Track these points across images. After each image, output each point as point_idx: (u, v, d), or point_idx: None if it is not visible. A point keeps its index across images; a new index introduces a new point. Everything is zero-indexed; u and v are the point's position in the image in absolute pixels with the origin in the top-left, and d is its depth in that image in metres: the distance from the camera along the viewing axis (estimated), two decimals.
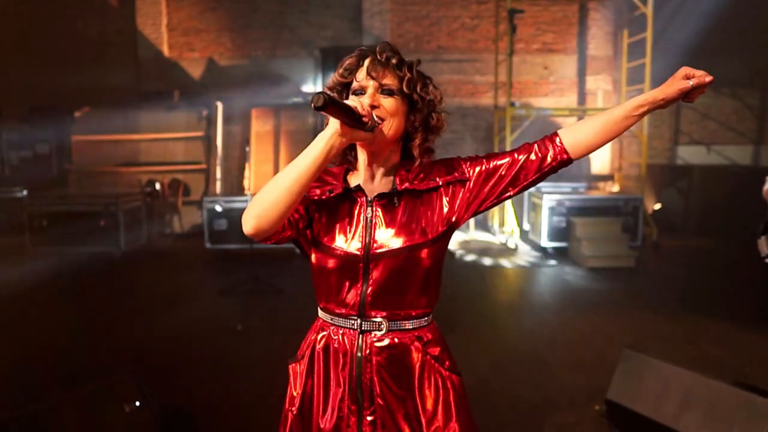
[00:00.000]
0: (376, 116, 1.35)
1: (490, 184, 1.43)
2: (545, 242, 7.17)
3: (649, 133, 9.39)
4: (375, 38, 9.22)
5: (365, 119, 1.31)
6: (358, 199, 1.44)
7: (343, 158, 1.49)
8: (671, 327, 4.60)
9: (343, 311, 1.43)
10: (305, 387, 1.48)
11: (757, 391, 2.40)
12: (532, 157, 1.42)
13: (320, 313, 1.50)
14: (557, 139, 1.42)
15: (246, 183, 8.87)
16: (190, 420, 3.12)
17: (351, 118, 1.28)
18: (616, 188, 9.07)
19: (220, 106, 9.09)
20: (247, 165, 8.81)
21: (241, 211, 6.95)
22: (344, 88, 1.44)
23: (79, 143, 8.91)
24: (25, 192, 8.19)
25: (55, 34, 9.11)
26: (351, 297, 1.42)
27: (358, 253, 1.40)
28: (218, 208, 7.27)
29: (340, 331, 1.44)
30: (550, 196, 7.23)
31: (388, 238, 1.40)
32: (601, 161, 9.60)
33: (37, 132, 9.04)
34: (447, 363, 1.47)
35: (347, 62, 1.43)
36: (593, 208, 7.15)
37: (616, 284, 5.93)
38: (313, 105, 1.18)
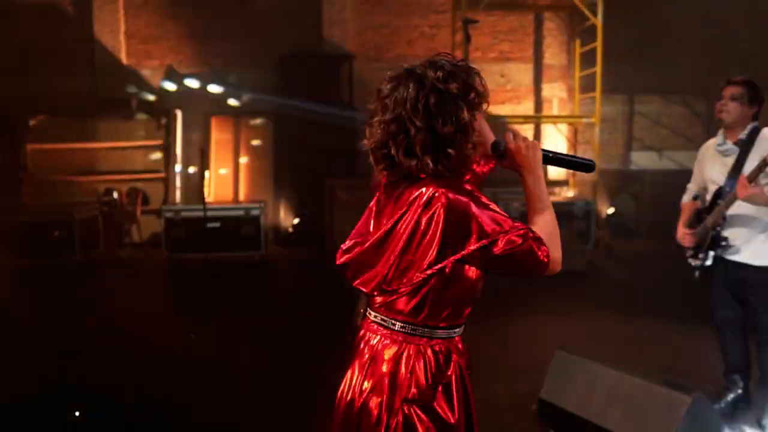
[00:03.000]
0: None
1: None
2: None
3: (603, 140, 9.65)
4: (335, 47, 9.30)
5: None
6: None
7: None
8: (617, 328, 4.77)
9: (463, 320, 1.53)
10: (459, 409, 1.48)
11: (672, 386, 2.53)
12: None
13: (438, 332, 1.48)
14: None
15: (206, 191, 8.85)
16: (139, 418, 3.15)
17: None
18: (571, 193, 9.30)
19: (179, 114, 9.04)
20: (206, 173, 8.80)
21: (199, 220, 6.94)
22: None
23: (34, 152, 8.76)
24: None
25: (8, 41, 8.93)
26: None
27: None
28: (176, 217, 7.23)
29: (457, 340, 1.53)
30: (503, 201, 7.37)
31: None
32: (555, 167, 9.83)
33: None
34: None
35: (482, 85, 1.48)
36: None
37: (567, 288, 6.07)
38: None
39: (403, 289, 1.43)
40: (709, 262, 3.15)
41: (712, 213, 3.16)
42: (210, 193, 8.24)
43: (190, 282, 6.40)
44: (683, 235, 3.35)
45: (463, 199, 1.38)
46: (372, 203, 1.58)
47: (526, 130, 9.74)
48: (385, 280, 1.44)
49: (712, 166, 3.26)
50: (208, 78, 9.32)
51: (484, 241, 1.36)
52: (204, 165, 8.85)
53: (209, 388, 3.71)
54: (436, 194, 1.38)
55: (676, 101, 9.99)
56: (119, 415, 3.30)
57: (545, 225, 1.46)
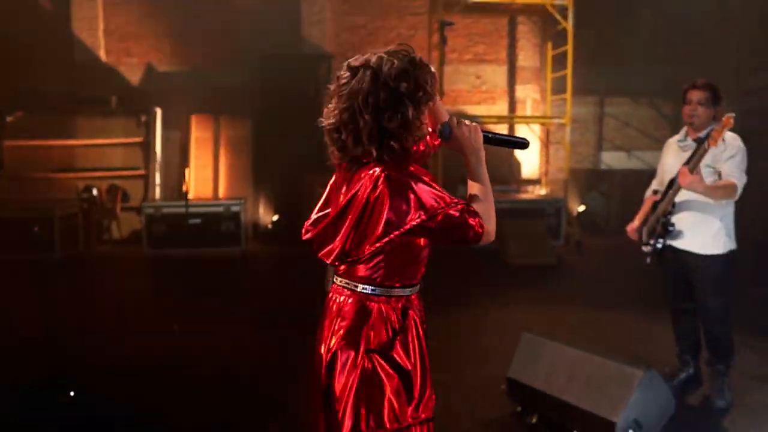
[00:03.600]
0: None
1: None
2: None
3: (575, 140, 9.98)
4: (314, 47, 9.46)
5: None
6: None
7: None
8: (584, 316, 5.03)
9: (417, 280, 1.74)
10: (414, 358, 1.68)
11: (626, 362, 2.77)
12: None
13: (395, 291, 1.68)
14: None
15: (186, 188, 8.94)
16: (127, 412, 3.28)
17: None
18: (543, 191, 9.60)
19: (158, 111, 9.11)
20: (187, 171, 8.88)
21: (180, 216, 7.06)
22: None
23: (11, 148, 8.74)
24: None
25: None
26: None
27: None
28: (157, 213, 7.33)
29: (414, 297, 1.74)
30: None
31: None
32: (530, 166, 10.13)
33: None
34: None
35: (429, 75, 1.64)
36: (519, 210, 7.61)
37: (539, 280, 6.36)
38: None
39: (359, 258, 1.63)
40: (659, 246, 3.41)
41: (663, 201, 3.43)
42: (190, 191, 8.34)
43: (172, 277, 6.53)
44: (632, 229, 3.64)
45: (406, 180, 1.57)
46: (331, 182, 1.76)
47: (501, 130, 10.03)
48: (343, 252, 1.63)
49: (672, 160, 3.52)
50: (188, 76, 9.41)
51: (424, 217, 1.55)
52: (184, 162, 8.95)
53: (194, 377, 3.86)
54: (382, 176, 1.56)
55: (645, 103, 10.36)
56: (102, 403, 3.43)
57: (482, 199, 1.65)
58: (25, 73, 9.10)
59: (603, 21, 9.58)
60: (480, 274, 6.73)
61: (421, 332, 1.73)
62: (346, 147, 1.60)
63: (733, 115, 2.99)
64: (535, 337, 3.14)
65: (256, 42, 9.34)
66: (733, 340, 3.41)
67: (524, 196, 8.77)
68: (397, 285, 1.68)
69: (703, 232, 3.31)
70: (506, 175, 9.97)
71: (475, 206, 1.62)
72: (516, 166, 10.14)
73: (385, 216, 1.56)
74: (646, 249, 3.55)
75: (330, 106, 1.62)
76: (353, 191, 1.60)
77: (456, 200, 1.59)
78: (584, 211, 9.49)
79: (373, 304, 1.66)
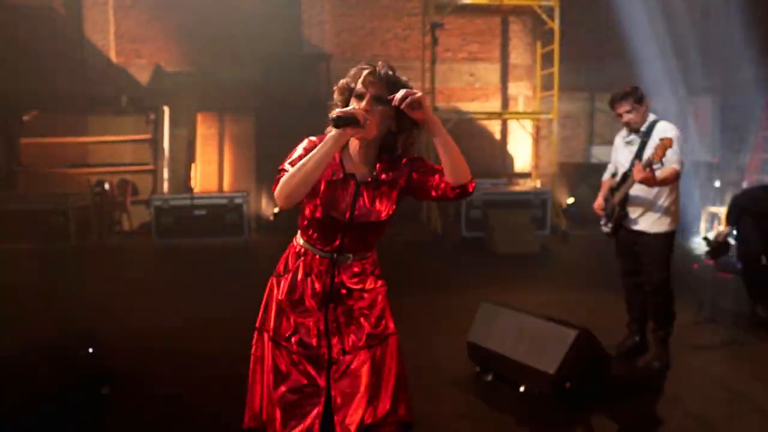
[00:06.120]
0: (367, 117, 1.86)
1: (416, 189, 2.03)
2: (464, 232, 7.97)
3: (567, 135, 10.37)
4: (314, 47, 9.90)
5: (360, 120, 1.83)
6: (350, 181, 1.95)
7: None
8: (554, 298, 5.43)
9: (324, 248, 2.01)
10: (282, 293, 2.06)
11: (563, 324, 3.19)
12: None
13: (301, 241, 2.06)
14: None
15: (192, 183, 9.43)
16: (138, 372, 3.72)
17: (353, 124, 1.83)
18: (534, 184, 9.98)
19: (166, 110, 9.58)
20: (193, 166, 9.36)
21: (186, 208, 7.51)
22: (350, 91, 1.92)
23: (28, 145, 9.26)
24: None
25: (2, 40, 9.41)
26: (331, 241, 1.99)
27: (344, 220, 1.95)
28: (165, 206, 7.80)
29: (317, 257, 2.02)
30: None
31: (366, 212, 1.97)
32: (522, 160, 10.52)
33: None
34: (377, 271, 2.13)
35: (352, 72, 1.90)
36: (506, 201, 8.00)
37: (520, 267, 6.75)
38: (333, 125, 1.82)
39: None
40: (615, 227, 3.86)
41: (618, 191, 3.84)
42: (196, 184, 8.81)
43: (179, 265, 6.99)
44: (598, 207, 4.05)
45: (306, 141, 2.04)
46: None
47: (493, 126, 10.43)
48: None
49: (621, 153, 3.94)
50: (194, 76, 9.87)
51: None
52: (191, 158, 9.43)
53: (198, 354, 4.30)
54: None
55: None
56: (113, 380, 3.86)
57: (293, 174, 1.86)
58: (40, 74, 9.61)
59: (590, 19, 9.92)
60: (466, 263, 7.14)
61: (307, 282, 2.03)
62: None
63: (671, 137, 3.39)
64: (491, 305, 3.56)
65: (258, 43, 9.79)
66: (674, 310, 3.81)
67: (511, 188, 9.16)
68: (304, 238, 2.06)
69: (652, 214, 3.74)
70: (499, 169, 10.37)
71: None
72: (509, 160, 10.54)
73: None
74: (605, 229, 3.99)
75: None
76: None
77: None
78: (573, 203, 9.87)
79: (293, 244, 2.11)
